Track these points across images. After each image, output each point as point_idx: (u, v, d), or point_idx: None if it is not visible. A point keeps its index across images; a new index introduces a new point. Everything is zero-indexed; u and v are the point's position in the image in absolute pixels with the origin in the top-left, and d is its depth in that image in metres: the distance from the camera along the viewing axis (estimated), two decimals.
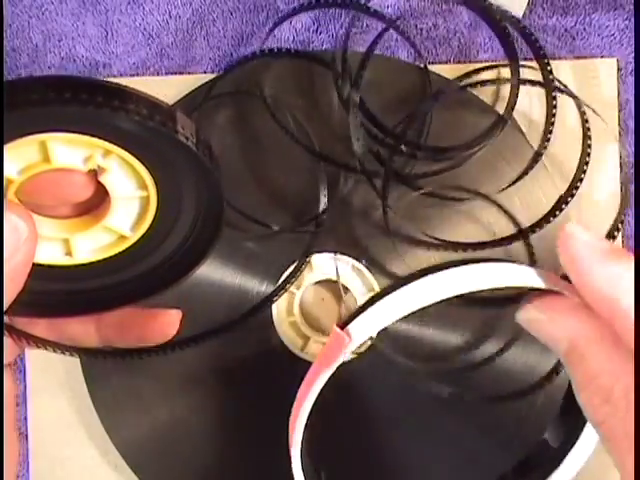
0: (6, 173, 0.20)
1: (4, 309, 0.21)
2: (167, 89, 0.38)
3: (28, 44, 0.39)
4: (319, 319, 0.37)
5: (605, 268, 0.19)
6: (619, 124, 0.37)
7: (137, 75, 0.38)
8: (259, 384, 0.35)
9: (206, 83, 0.37)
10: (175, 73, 0.38)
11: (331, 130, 0.36)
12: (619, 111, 0.38)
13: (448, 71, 0.37)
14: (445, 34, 0.38)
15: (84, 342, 0.27)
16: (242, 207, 0.35)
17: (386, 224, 0.34)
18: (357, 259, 0.36)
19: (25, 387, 0.38)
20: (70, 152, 0.20)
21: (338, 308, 0.37)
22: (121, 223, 0.23)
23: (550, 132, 0.36)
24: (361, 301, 0.36)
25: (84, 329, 0.26)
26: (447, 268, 0.21)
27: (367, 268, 0.36)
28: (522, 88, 0.36)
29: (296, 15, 0.37)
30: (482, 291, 0.20)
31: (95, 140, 0.20)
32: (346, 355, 0.20)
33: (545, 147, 0.36)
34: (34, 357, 0.37)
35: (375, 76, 0.36)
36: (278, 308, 0.36)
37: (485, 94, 0.37)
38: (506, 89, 0.37)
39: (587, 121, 0.36)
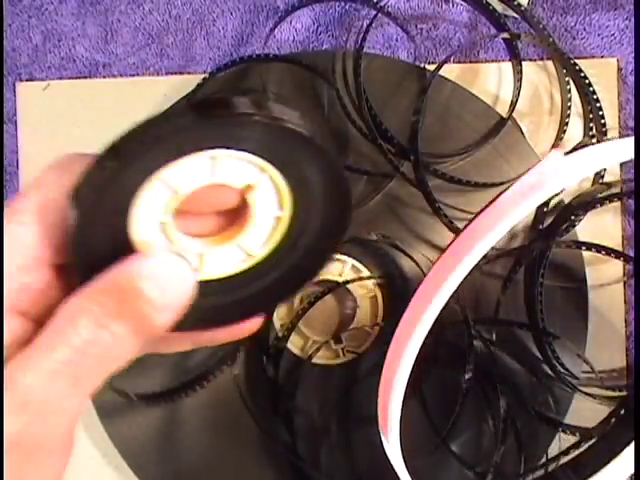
0: (175, 186, 0.21)
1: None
2: (167, 89, 0.38)
3: (28, 44, 0.39)
4: (319, 319, 0.37)
5: None
6: (619, 124, 0.37)
7: (137, 75, 0.38)
8: (259, 384, 0.35)
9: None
10: (175, 73, 0.38)
11: (329, 127, 0.36)
12: (619, 111, 0.38)
13: (448, 71, 0.37)
14: (445, 34, 0.38)
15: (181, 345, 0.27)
16: None
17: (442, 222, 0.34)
18: (355, 257, 0.36)
19: None
20: (231, 169, 0.21)
21: (338, 308, 0.37)
22: (252, 241, 0.23)
23: (564, 131, 0.37)
24: (360, 301, 0.36)
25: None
26: None
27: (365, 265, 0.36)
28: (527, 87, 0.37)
29: (295, 12, 0.38)
30: None
31: (252, 157, 0.21)
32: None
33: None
34: None
35: (375, 76, 0.36)
36: (278, 308, 0.36)
37: (485, 94, 0.37)
38: (506, 89, 0.37)
39: (591, 120, 0.36)
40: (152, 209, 0.21)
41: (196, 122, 0.19)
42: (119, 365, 0.20)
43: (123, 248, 0.21)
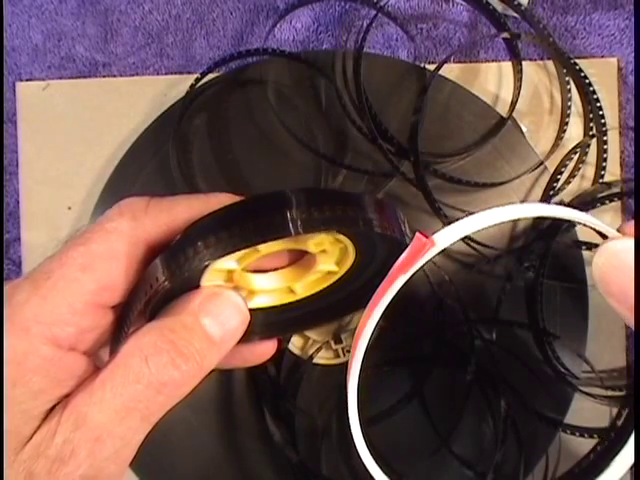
0: (229, 267, 0.22)
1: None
2: (167, 89, 0.38)
3: (28, 44, 0.39)
4: None
5: None
6: (619, 124, 0.37)
7: (137, 75, 0.38)
8: (259, 384, 0.35)
9: (205, 83, 0.37)
10: (175, 73, 0.38)
11: (329, 126, 0.36)
12: (619, 111, 0.38)
13: (448, 71, 0.37)
14: (445, 34, 0.38)
15: None
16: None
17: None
18: None
19: None
20: (311, 237, 0.22)
21: None
22: (301, 284, 0.25)
23: (564, 131, 0.37)
24: None
25: None
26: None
27: None
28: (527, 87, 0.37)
29: (295, 11, 0.37)
30: None
31: (341, 237, 0.22)
32: (424, 260, 0.21)
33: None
34: None
35: (375, 76, 0.36)
36: None
37: (485, 94, 0.37)
38: (506, 89, 0.37)
39: (591, 120, 0.36)
40: (228, 263, 0.22)
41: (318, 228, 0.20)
42: (182, 397, 0.21)
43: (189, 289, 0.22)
